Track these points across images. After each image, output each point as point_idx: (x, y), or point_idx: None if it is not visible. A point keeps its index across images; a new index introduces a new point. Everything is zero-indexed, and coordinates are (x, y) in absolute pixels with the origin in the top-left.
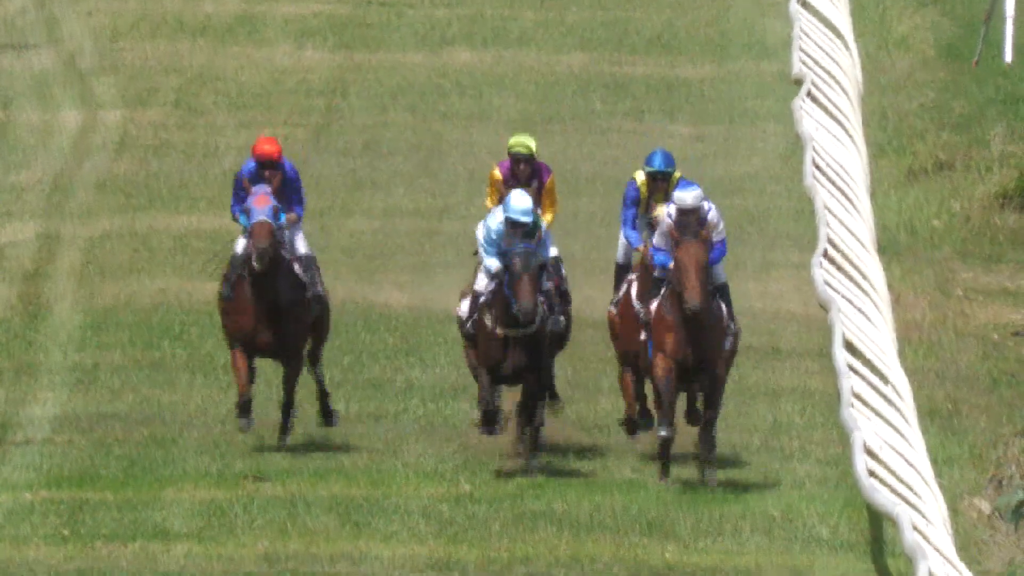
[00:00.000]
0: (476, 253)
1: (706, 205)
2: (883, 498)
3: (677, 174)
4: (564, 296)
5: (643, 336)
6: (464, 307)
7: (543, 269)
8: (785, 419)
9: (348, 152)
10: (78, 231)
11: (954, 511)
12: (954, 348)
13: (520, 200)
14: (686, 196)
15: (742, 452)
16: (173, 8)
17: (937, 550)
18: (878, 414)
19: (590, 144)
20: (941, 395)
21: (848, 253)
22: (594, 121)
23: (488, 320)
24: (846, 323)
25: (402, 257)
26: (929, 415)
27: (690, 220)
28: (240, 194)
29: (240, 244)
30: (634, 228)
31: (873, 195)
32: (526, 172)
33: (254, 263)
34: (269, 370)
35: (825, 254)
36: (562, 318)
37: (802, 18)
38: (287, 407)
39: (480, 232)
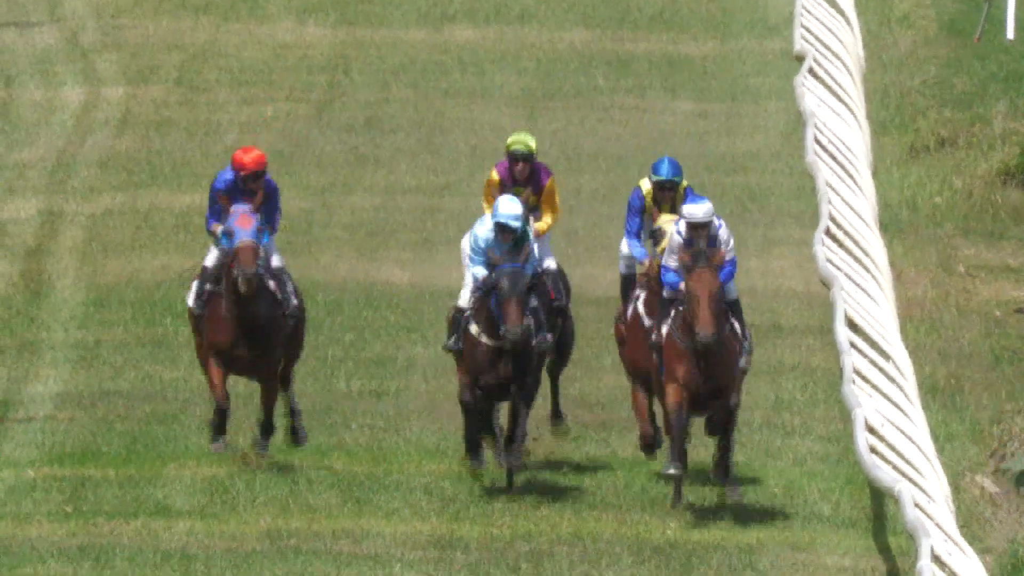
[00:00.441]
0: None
1: (716, 221)
2: (885, 475)
3: (684, 183)
4: (562, 312)
5: (654, 359)
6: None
7: (532, 291)
8: (787, 396)
9: (350, 128)
10: (80, 208)
11: (956, 488)
12: (956, 325)
13: (509, 206)
14: (696, 211)
15: (744, 429)
16: None
17: (939, 527)
18: (880, 391)
19: (592, 121)
20: (943, 372)
21: (850, 230)
22: (596, 98)
23: (474, 330)
24: (848, 300)
25: (404, 234)
26: (931, 392)
27: (700, 235)
28: (216, 207)
29: (212, 256)
30: (638, 239)
31: (875, 172)
32: (525, 172)
33: (240, 287)
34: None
35: (827, 231)
36: (549, 336)
37: None
38: (267, 428)
39: (466, 242)
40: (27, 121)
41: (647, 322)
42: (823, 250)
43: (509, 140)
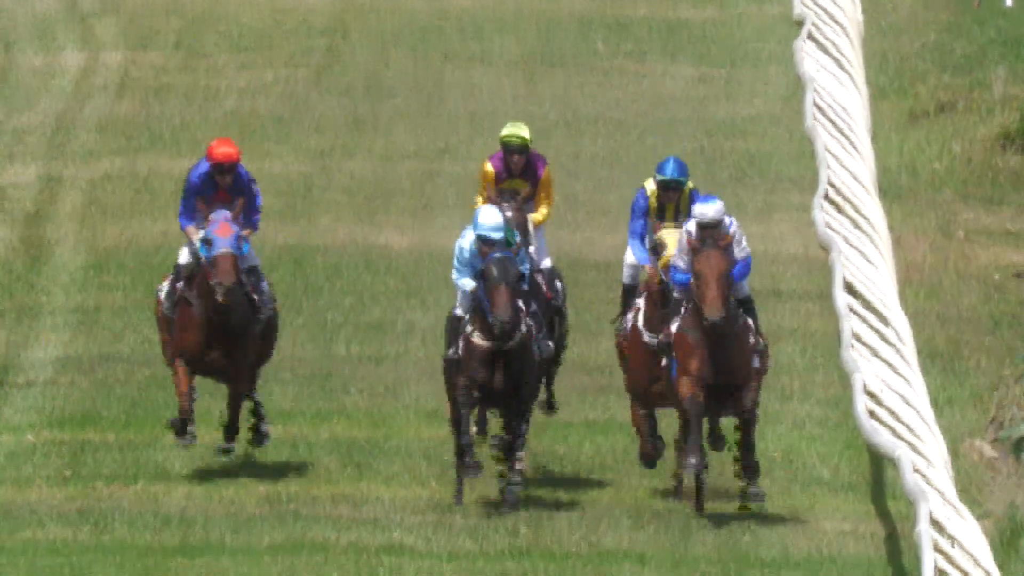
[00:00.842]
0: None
1: (727, 220)
2: (884, 440)
3: (690, 184)
4: (559, 312)
5: (663, 362)
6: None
7: (522, 280)
8: (786, 360)
9: (349, 93)
10: (80, 173)
11: (955, 453)
12: (955, 290)
13: (489, 216)
14: (707, 210)
15: None
16: None
17: (938, 491)
18: (879, 356)
19: (592, 85)
20: (942, 337)
21: (849, 195)
22: (596, 62)
23: (470, 332)
24: (847, 265)
25: (403, 198)
26: (930, 357)
27: (710, 236)
28: (190, 202)
29: (184, 255)
30: (642, 242)
31: (874, 137)
32: (520, 164)
33: (219, 298)
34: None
35: (826, 196)
36: (550, 343)
37: None
38: (231, 429)
39: (455, 253)
40: (26, 86)
41: (647, 337)
42: (822, 215)
43: (503, 133)
